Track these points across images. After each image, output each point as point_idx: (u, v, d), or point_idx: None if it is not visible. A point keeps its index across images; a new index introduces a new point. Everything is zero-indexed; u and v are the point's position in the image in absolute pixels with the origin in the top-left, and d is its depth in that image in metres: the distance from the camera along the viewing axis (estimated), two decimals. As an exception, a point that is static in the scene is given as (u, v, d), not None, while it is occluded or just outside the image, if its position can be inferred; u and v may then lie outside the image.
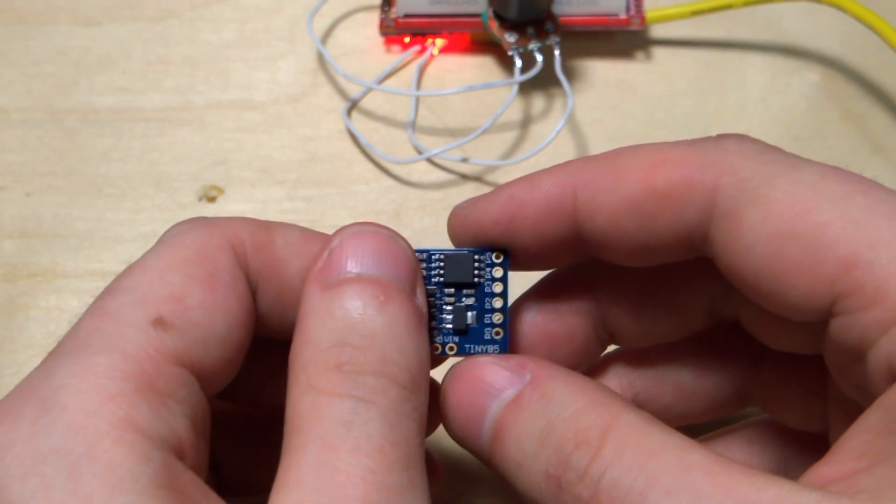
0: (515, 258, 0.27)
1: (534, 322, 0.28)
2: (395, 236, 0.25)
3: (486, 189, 0.41)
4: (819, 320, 0.23)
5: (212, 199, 0.41)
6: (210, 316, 0.23)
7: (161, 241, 0.25)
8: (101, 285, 0.38)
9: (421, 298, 0.25)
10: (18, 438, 0.21)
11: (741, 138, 0.24)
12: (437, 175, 0.42)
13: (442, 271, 0.26)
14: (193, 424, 0.22)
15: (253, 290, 0.25)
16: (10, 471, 0.20)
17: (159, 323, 0.22)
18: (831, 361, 0.24)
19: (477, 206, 0.27)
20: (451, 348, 0.27)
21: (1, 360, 0.37)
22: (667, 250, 0.25)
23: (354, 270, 0.24)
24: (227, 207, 0.41)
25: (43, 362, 0.22)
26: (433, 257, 0.26)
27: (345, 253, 0.24)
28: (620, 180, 0.25)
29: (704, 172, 0.24)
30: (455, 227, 0.27)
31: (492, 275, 0.27)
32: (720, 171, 0.23)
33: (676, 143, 0.25)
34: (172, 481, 0.21)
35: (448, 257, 0.27)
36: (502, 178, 0.41)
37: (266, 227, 0.26)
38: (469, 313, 0.27)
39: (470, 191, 0.41)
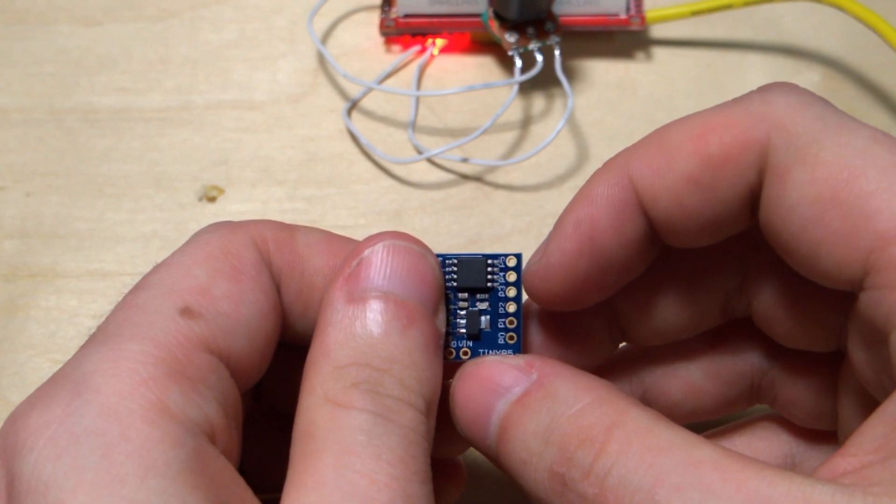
0: (614, 282, 0.26)
1: (547, 319, 0.28)
2: (425, 253, 0.25)
3: (487, 189, 0.41)
4: (848, 291, 0.22)
5: (212, 199, 0.41)
6: (236, 306, 0.24)
7: (186, 241, 0.25)
8: (101, 285, 0.39)
9: (441, 317, 0.25)
10: (52, 421, 0.21)
11: (787, 88, 0.24)
12: (438, 175, 0.42)
13: (455, 276, 0.26)
14: (225, 410, 0.23)
15: (276, 286, 0.25)
16: (44, 452, 0.20)
17: (186, 312, 0.23)
18: (854, 343, 0.24)
19: (549, 252, 0.26)
20: (465, 353, 0.26)
21: (1, 360, 0.37)
22: (735, 218, 0.24)
23: (382, 288, 0.24)
24: (227, 208, 0.41)
25: (75, 353, 0.23)
26: (446, 262, 0.26)
27: (374, 267, 0.24)
28: (673, 158, 0.24)
29: (755, 129, 0.23)
30: (539, 289, 0.26)
31: (505, 279, 0.26)
32: (770, 126, 0.23)
33: (719, 106, 0.24)
34: (204, 466, 0.21)
35: (461, 262, 0.26)
36: (502, 178, 0.41)
37: (288, 227, 0.26)
38: (482, 318, 0.26)
39: (470, 190, 0.41)
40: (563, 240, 0.25)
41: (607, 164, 0.25)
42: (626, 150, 0.25)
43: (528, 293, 0.27)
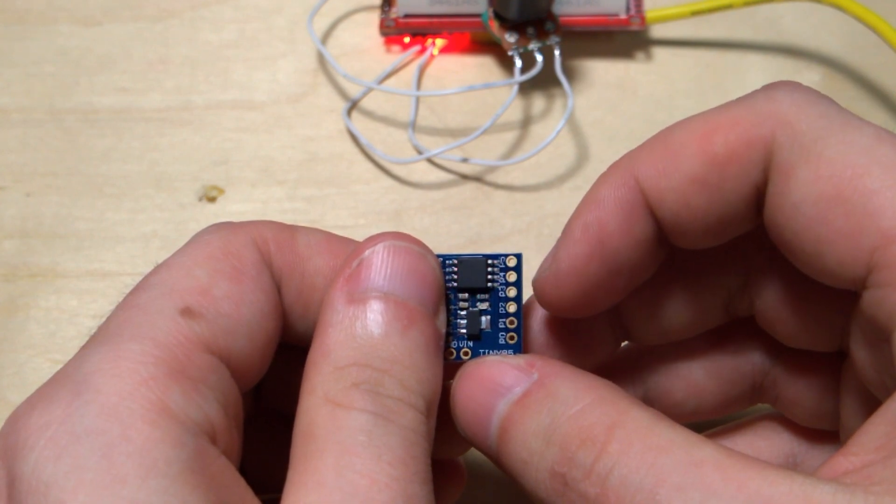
0: (624, 285, 0.26)
1: (549, 319, 0.28)
2: (425, 253, 0.25)
3: (487, 189, 0.41)
4: (851, 289, 0.22)
5: (212, 199, 0.41)
6: (237, 306, 0.24)
7: (187, 242, 0.25)
8: (101, 285, 0.39)
9: (442, 318, 0.25)
10: (52, 421, 0.21)
11: (791, 87, 0.24)
12: (438, 175, 0.42)
13: (455, 276, 0.26)
14: (225, 411, 0.23)
15: (277, 287, 0.25)
16: (45, 452, 0.20)
17: (187, 312, 0.23)
18: (857, 342, 0.24)
19: (559, 258, 0.25)
20: (466, 353, 0.26)
21: (1, 360, 0.37)
22: (741, 217, 0.24)
23: (382, 288, 0.24)
24: (227, 208, 0.41)
25: (76, 353, 0.23)
26: (447, 262, 0.26)
27: (374, 267, 0.24)
28: (678, 159, 0.24)
29: (760, 127, 0.23)
30: (551, 296, 0.26)
31: (505, 279, 0.26)
32: (775, 124, 0.23)
33: (724, 106, 0.24)
34: (205, 466, 0.21)
35: (462, 262, 0.26)
36: (502, 177, 0.41)
37: (289, 228, 0.26)
38: (483, 318, 0.26)
39: (470, 190, 0.41)
40: (573, 245, 0.25)
41: (613, 167, 0.25)
42: (632, 152, 0.25)
43: (539, 302, 0.27)
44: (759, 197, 0.24)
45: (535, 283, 0.26)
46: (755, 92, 0.24)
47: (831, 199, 0.22)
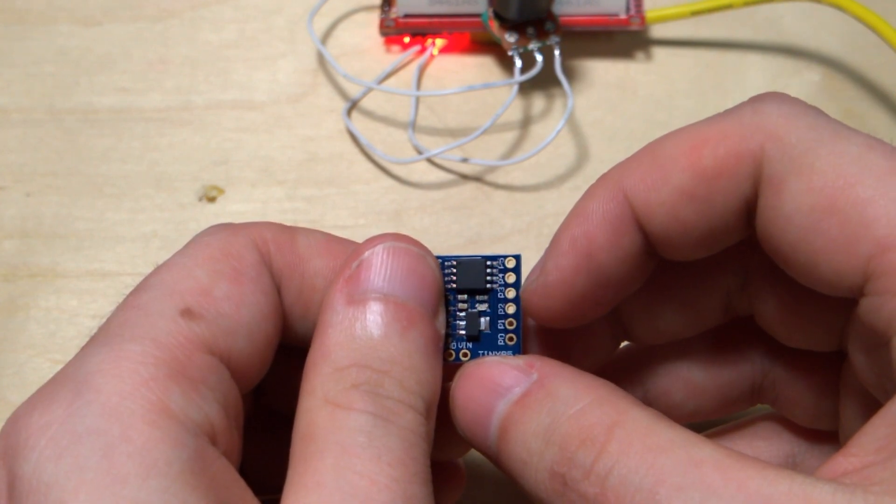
0: (612, 297, 0.26)
1: None
2: (424, 254, 0.25)
3: (487, 188, 0.41)
4: (849, 297, 0.22)
5: (212, 199, 0.41)
6: (237, 307, 0.24)
7: (187, 243, 0.25)
8: (101, 285, 0.39)
9: (441, 319, 0.25)
10: (53, 421, 0.21)
11: (779, 99, 0.24)
12: (437, 175, 0.42)
13: (454, 277, 0.26)
14: (226, 411, 0.23)
15: (277, 288, 0.25)
16: (45, 452, 0.20)
17: (187, 313, 0.23)
18: (855, 347, 0.24)
19: (547, 270, 0.26)
20: (465, 354, 0.26)
21: (1, 360, 0.37)
22: (731, 230, 0.24)
23: (381, 290, 0.24)
24: (227, 208, 0.41)
25: (76, 354, 0.23)
26: (446, 263, 0.26)
27: (374, 268, 0.24)
28: (667, 172, 0.24)
29: (749, 140, 0.23)
30: (539, 307, 0.26)
31: (504, 280, 0.26)
32: (764, 137, 0.23)
33: (712, 119, 0.24)
34: (205, 467, 0.21)
35: (460, 263, 0.26)
36: (502, 178, 0.41)
37: (289, 229, 0.26)
38: (482, 319, 0.26)
39: (470, 190, 0.41)
40: (561, 257, 0.25)
41: (601, 180, 0.25)
42: (620, 164, 0.25)
43: (527, 312, 0.27)
44: (748, 209, 0.24)
45: (522, 294, 0.26)
46: (742, 104, 0.24)
47: (824, 210, 0.22)
